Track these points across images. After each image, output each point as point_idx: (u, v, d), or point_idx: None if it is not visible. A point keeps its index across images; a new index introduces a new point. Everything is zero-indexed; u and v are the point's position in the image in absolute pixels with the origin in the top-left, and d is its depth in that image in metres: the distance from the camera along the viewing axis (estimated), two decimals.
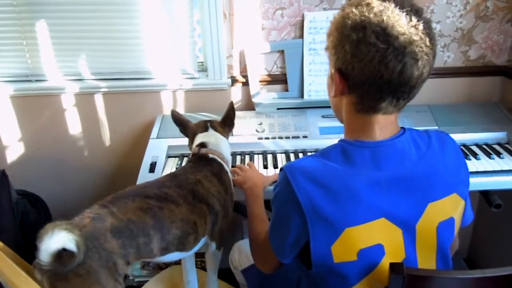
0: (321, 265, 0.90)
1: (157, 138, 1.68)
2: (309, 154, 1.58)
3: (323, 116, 1.75)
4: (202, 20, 1.74)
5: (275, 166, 1.52)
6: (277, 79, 1.83)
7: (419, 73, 0.84)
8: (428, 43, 0.83)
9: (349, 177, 0.88)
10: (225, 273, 1.60)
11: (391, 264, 0.85)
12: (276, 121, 1.73)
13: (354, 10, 0.86)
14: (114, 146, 1.96)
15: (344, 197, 0.87)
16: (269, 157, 1.58)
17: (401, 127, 0.96)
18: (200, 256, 1.74)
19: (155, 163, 1.54)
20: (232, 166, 1.52)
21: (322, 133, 1.66)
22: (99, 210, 1.01)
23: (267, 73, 1.83)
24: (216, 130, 1.38)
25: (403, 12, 0.83)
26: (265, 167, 1.52)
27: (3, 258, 1.12)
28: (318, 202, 0.87)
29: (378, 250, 0.89)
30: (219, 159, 1.31)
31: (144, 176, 1.48)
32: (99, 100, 1.86)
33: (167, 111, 1.89)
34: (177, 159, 1.59)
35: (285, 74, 1.81)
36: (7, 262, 1.13)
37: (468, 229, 2.11)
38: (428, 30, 0.84)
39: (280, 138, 1.65)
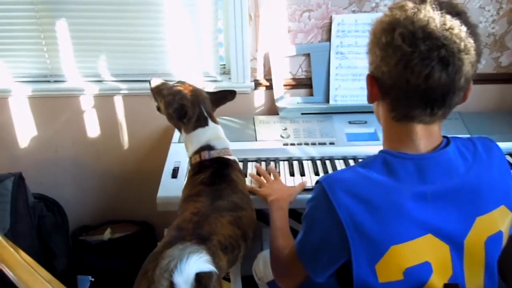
0: (364, 286, 0.84)
1: (178, 142, 1.63)
2: (336, 161, 1.52)
3: (349, 122, 1.69)
4: (226, 22, 1.69)
5: (302, 174, 1.46)
6: (302, 83, 1.78)
7: (449, 79, 0.78)
8: (462, 47, 0.77)
9: (393, 191, 0.83)
10: (247, 280, 1.55)
11: (446, 286, 0.79)
12: (301, 126, 1.68)
13: (388, 13, 0.83)
14: (132, 149, 1.92)
15: (389, 212, 0.82)
16: (295, 164, 1.52)
17: (444, 136, 0.90)
18: None
19: (178, 168, 1.48)
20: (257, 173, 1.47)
21: (350, 140, 1.60)
22: (199, 231, 0.99)
23: (292, 77, 1.78)
24: (213, 119, 1.25)
25: (438, 14, 0.78)
26: (292, 174, 1.46)
27: (25, 267, 1.08)
28: (360, 218, 0.82)
29: (425, 268, 0.84)
30: (232, 157, 1.26)
31: (166, 182, 1.42)
32: (118, 102, 1.82)
33: None
34: None
35: (310, 78, 1.76)
36: (29, 270, 1.09)
37: None
38: (466, 34, 0.78)
39: (306, 144, 1.59)
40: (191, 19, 1.70)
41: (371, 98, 0.90)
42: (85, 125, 1.86)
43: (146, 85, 1.76)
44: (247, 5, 1.63)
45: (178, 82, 1.28)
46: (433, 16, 0.78)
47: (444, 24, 0.78)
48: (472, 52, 0.79)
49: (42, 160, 1.91)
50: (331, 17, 1.66)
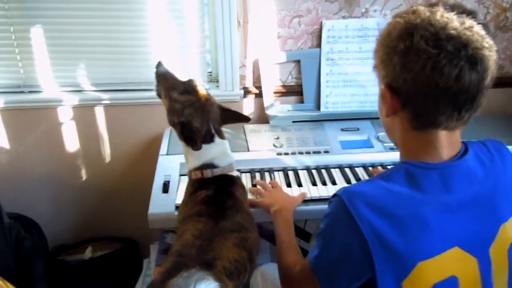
0: None
1: (167, 154, 1.55)
2: (332, 170, 1.48)
3: (342, 129, 1.65)
4: (214, 28, 1.62)
5: (299, 184, 1.41)
6: (292, 90, 1.74)
7: (479, 78, 0.76)
8: (486, 45, 0.76)
9: (418, 204, 0.80)
10: None
11: None
12: (294, 135, 1.63)
13: (399, 19, 0.80)
14: (114, 163, 1.82)
15: (414, 226, 0.78)
16: (291, 174, 1.47)
17: (461, 142, 0.88)
18: None
19: (168, 182, 1.40)
20: (253, 185, 1.41)
21: (344, 148, 1.57)
22: (203, 256, 0.91)
23: (281, 84, 1.74)
24: (220, 135, 1.15)
25: (454, 14, 0.77)
26: (289, 185, 1.41)
27: None
28: (385, 234, 0.78)
29: (452, 283, 0.81)
30: (236, 173, 1.19)
31: (157, 197, 1.34)
32: (99, 113, 1.72)
33: None
34: None
35: (300, 85, 1.72)
36: None
37: None
38: (484, 33, 0.77)
39: (300, 153, 1.54)
40: (176, 25, 1.63)
41: (391, 111, 0.84)
42: (63, 138, 1.75)
43: (129, 94, 1.69)
44: (236, 11, 1.57)
45: (189, 81, 1.15)
46: (449, 17, 0.77)
47: (464, 23, 0.76)
48: (494, 49, 0.78)
49: (16, 177, 1.78)
50: (321, 22, 1.63)
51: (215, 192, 1.08)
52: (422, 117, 0.82)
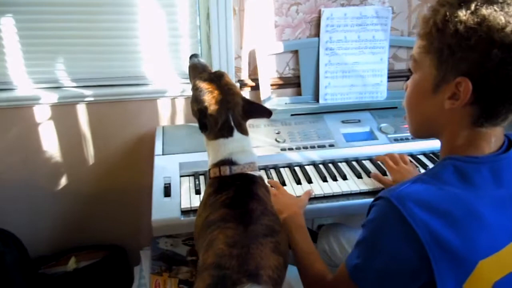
0: None
1: (163, 154, 1.43)
2: (339, 164, 1.42)
3: (343, 122, 1.60)
4: (208, 16, 1.51)
5: (309, 181, 1.34)
6: (289, 82, 1.66)
7: None
8: None
9: (471, 200, 0.76)
10: None
11: None
12: (295, 129, 1.56)
13: (496, 14, 0.71)
14: (98, 165, 1.67)
15: (471, 224, 0.74)
16: (297, 170, 1.40)
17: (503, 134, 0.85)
18: None
19: (169, 185, 1.29)
20: None
21: (348, 141, 1.51)
22: (246, 267, 0.82)
23: (278, 76, 1.65)
24: (241, 129, 1.04)
25: None
26: (298, 182, 1.34)
27: None
28: (442, 235, 0.73)
29: (511, 280, 0.78)
30: (257, 173, 1.08)
31: (159, 202, 1.23)
32: (82, 111, 1.56)
33: (165, 122, 1.63)
34: (192, 178, 1.36)
35: (297, 77, 1.64)
36: None
37: None
38: None
39: (305, 148, 1.47)
40: (166, 13, 1.50)
41: (461, 104, 0.76)
42: (41, 141, 1.58)
43: (115, 90, 1.55)
44: None
45: (216, 71, 1.08)
46: None
47: None
48: None
49: None
50: (319, 11, 1.56)
51: (236, 193, 0.98)
52: (494, 114, 0.76)
